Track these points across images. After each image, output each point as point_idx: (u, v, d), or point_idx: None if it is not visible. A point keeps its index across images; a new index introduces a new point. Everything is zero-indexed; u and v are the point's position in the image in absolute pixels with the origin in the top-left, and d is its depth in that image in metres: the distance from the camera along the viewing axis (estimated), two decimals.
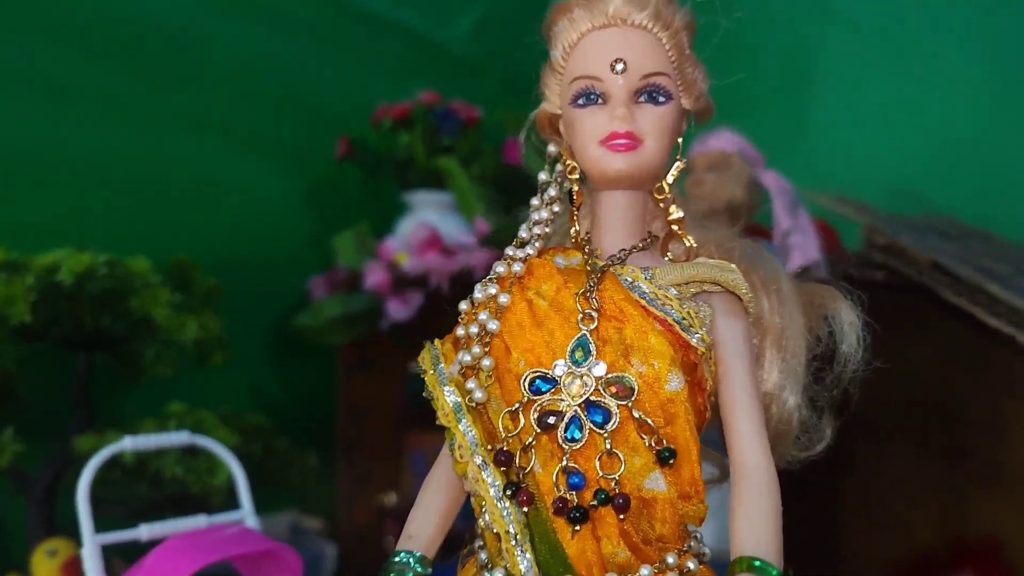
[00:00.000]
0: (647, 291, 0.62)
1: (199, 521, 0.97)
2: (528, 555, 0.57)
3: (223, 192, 1.53)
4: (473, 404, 0.61)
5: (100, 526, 0.94)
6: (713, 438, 0.65)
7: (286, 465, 1.28)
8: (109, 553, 0.96)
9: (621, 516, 0.57)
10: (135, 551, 0.91)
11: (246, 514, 1.02)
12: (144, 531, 0.94)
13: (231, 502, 1.05)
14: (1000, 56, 1.44)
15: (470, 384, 0.61)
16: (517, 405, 0.59)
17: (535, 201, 0.67)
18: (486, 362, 0.61)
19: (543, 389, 0.59)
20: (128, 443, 0.99)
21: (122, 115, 1.41)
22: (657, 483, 0.58)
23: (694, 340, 0.60)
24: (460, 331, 0.63)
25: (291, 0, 1.64)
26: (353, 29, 1.73)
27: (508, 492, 0.58)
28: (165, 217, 1.44)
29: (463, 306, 0.64)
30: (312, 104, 1.66)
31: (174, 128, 1.47)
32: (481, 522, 0.60)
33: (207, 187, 1.51)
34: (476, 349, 0.61)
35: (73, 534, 0.97)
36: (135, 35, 1.43)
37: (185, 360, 1.24)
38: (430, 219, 1.56)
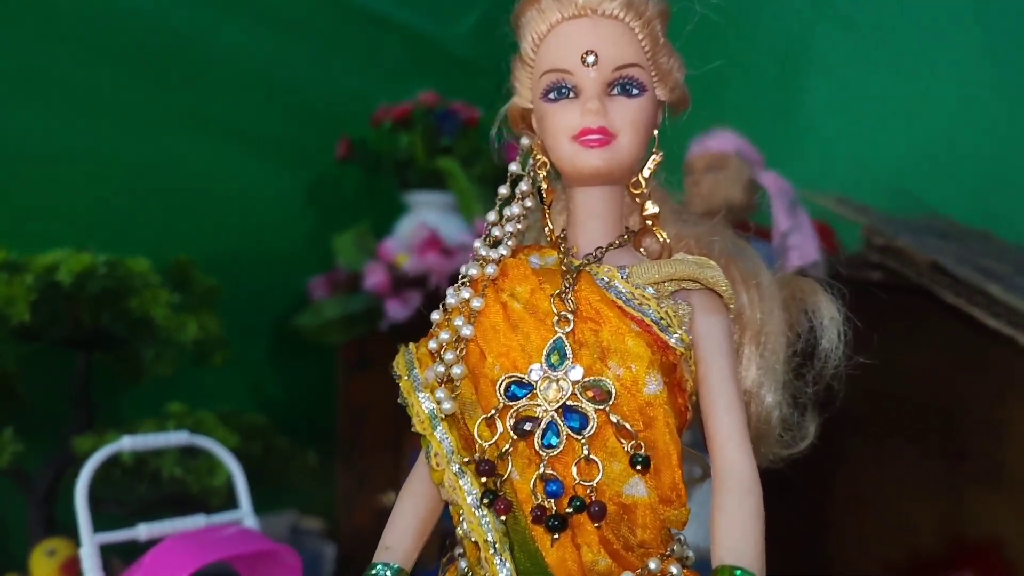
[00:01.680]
0: (624, 291, 0.60)
1: (197, 521, 0.97)
2: (508, 564, 0.56)
3: (223, 192, 1.53)
4: (441, 416, 0.59)
5: (99, 526, 0.94)
6: (696, 438, 0.64)
7: (285, 465, 1.28)
8: (108, 553, 0.96)
9: (596, 524, 0.56)
10: (134, 551, 0.92)
11: (245, 514, 1.02)
12: (143, 531, 0.95)
13: (230, 502, 1.05)
14: (999, 54, 1.44)
15: (439, 394, 0.59)
16: (493, 411, 0.58)
17: (503, 190, 0.64)
18: (456, 370, 0.59)
19: (519, 394, 0.58)
20: (127, 443, 0.99)
21: (122, 115, 1.41)
22: (637, 488, 0.57)
23: (672, 340, 0.59)
24: (433, 341, 0.61)
25: (292, 1, 1.64)
26: (353, 30, 1.74)
27: (486, 500, 0.56)
28: (165, 217, 1.44)
29: (435, 316, 0.62)
30: (312, 104, 1.66)
31: (174, 128, 1.48)
32: (460, 531, 0.58)
33: (207, 187, 1.51)
34: (448, 356, 0.60)
35: (73, 534, 0.97)
36: (135, 35, 1.43)
37: (185, 360, 1.24)
38: (430, 219, 1.56)
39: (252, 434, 1.22)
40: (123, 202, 1.40)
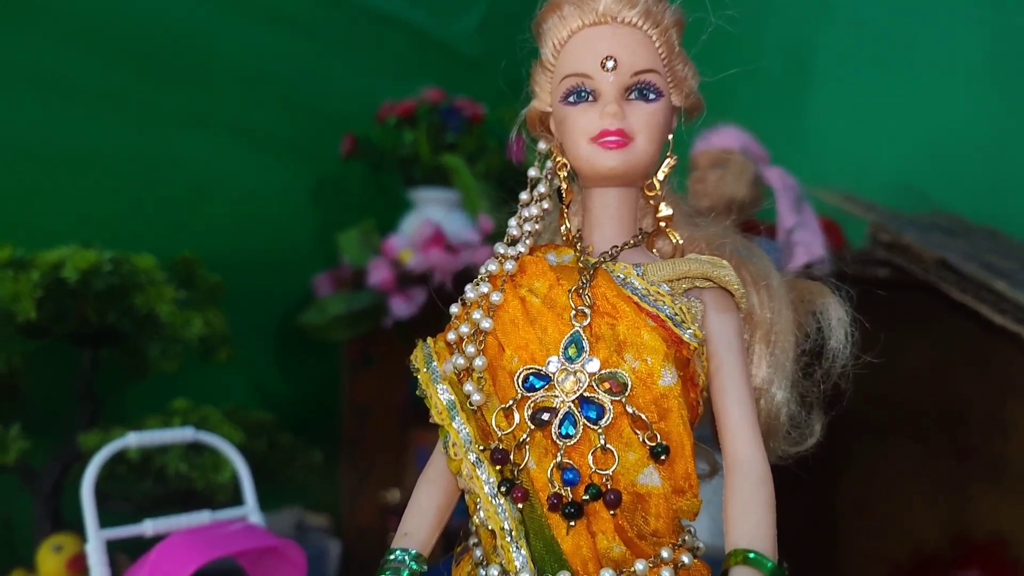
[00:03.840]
0: (639, 287, 0.62)
1: (203, 517, 0.97)
2: (523, 551, 0.57)
3: (228, 189, 1.54)
4: (473, 407, 0.61)
5: (105, 521, 0.94)
6: (704, 433, 0.65)
7: (290, 462, 1.29)
8: (114, 548, 0.96)
9: (612, 511, 0.58)
10: (140, 546, 0.92)
11: (250, 510, 1.02)
12: (149, 527, 0.95)
13: (236, 498, 1.05)
14: (1005, 51, 1.43)
15: (468, 387, 0.61)
16: (511, 402, 0.60)
17: (524, 196, 0.66)
18: (478, 362, 0.61)
19: (537, 386, 0.60)
20: (132, 439, 0.99)
21: (128, 112, 1.41)
22: (651, 478, 0.59)
23: (686, 336, 0.61)
24: (452, 334, 0.63)
25: None
26: (358, 27, 1.74)
27: (503, 489, 0.58)
28: (170, 214, 1.44)
29: (454, 309, 0.64)
30: (317, 102, 1.67)
31: (179, 125, 1.48)
32: (476, 519, 0.60)
33: (212, 184, 1.51)
34: (470, 349, 0.61)
35: (79, 530, 0.97)
36: (141, 33, 1.43)
37: (190, 357, 1.24)
38: (434, 216, 1.56)
39: (257, 431, 1.22)
40: (128, 199, 1.40)
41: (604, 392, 0.59)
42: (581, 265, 0.63)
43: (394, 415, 1.58)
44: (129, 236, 1.21)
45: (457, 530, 0.67)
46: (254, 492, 1.03)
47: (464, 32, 1.91)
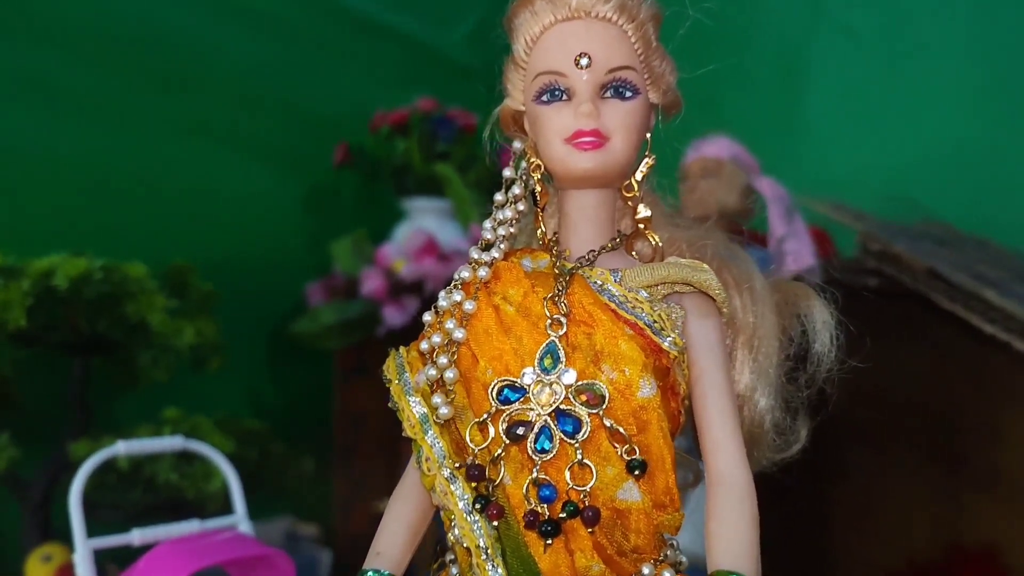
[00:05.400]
0: (616, 294, 0.60)
1: (191, 526, 0.97)
2: (500, 569, 0.55)
3: (220, 197, 1.54)
4: (438, 421, 0.59)
5: (96, 531, 0.94)
6: (691, 444, 0.64)
7: (282, 471, 1.28)
8: (105, 558, 0.96)
9: (591, 529, 0.56)
10: (131, 556, 0.91)
11: (239, 519, 1.02)
12: (136, 536, 0.94)
13: (226, 507, 1.05)
14: (996, 61, 1.44)
15: (436, 399, 0.59)
16: (485, 416, 0.58)
17: (499, 197, 0.63)
18: (449, 374, 0.59)
19: (512, 398, 0.57)
20: (121, 448, 0.99)
21: (119, 120, 1.42)
22: (631, 493, 0.57)
23: (666, 344, 0.59)
24: (424, 343, 0.61)
25: (289, 6, 1.64)
26: (351, 36, 1.74)
27: (478, 506, 0.56)
28: (162, 222, 1.44)
29: (427, 317, 0.62)
30: (310, 110, 1.67)
31: (171, 133, 1.48)
32: (451, 536, 0.58)
33: (204, 192, 1.52)
34: (442, 360, 0.59)
35: (69, 540, 0.96)
36: (133, 40, 1.43)
37: (181, 365, 1.24)
38: (427, 225, 1.56)
39: (248, 440, 1.22)
40: (120, 207, 1.40)
41: (581, 405, 0.56)
42: (557, 271, 0.61)
43: (387, 424, 1.56)
44: (120, 244, 1.21)
45: (444, 539, 0.66)
46: (243, 501, 1.03)
47: (457, 41, 1.91)
